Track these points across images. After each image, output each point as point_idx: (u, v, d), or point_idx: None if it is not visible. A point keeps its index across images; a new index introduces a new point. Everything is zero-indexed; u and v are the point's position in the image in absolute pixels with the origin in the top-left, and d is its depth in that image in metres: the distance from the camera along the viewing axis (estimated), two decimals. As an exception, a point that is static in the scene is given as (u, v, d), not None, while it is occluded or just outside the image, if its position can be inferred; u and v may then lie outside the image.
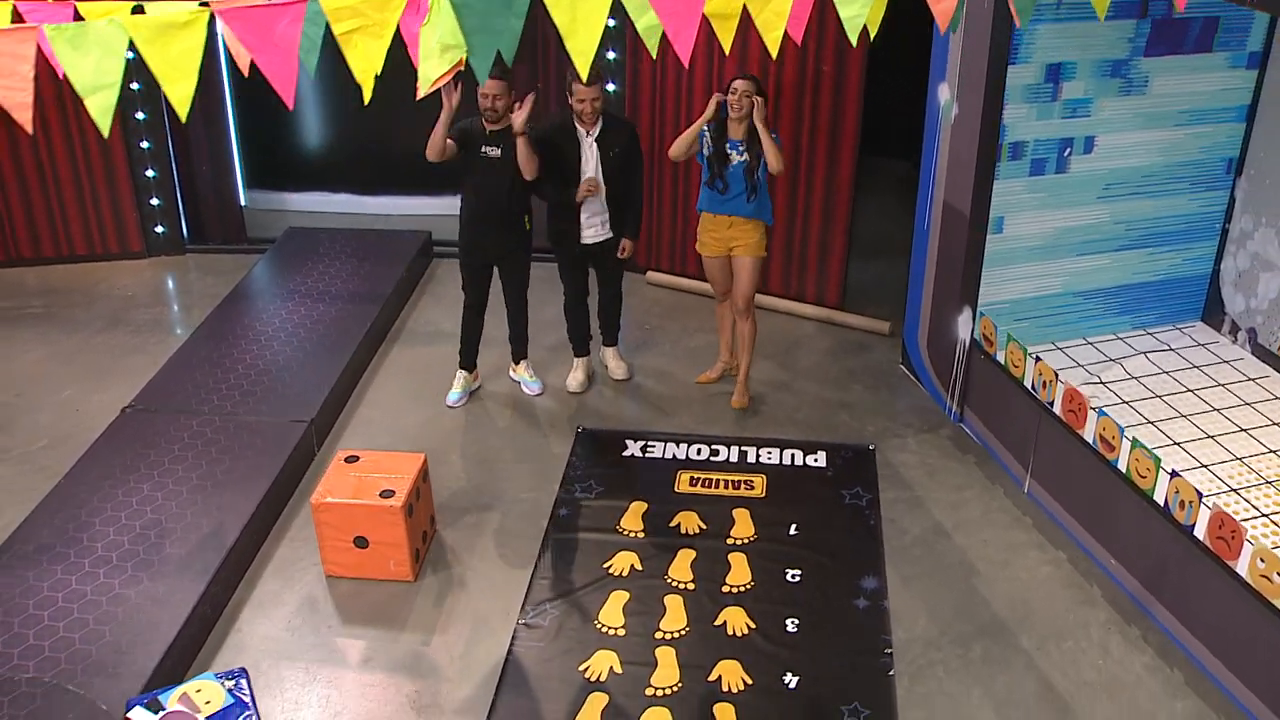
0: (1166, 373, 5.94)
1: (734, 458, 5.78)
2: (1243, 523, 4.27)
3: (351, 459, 5.12)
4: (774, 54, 3.13)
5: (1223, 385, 5.84)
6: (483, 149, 5.76)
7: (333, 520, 4.89)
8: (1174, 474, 4.57)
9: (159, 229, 7.92)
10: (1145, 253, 6.23)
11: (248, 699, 3.92)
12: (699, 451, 5.84)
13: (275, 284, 7.25)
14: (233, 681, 4.00)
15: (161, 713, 3.88)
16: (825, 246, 7.09)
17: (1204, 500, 4.42)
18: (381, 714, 4.34)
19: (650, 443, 5.92)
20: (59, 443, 5.95)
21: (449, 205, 6.75)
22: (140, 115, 7.57)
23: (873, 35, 3.15)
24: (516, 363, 6.51)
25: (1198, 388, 5.82)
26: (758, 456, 5.79)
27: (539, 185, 5.92)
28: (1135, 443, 4.76)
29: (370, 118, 7.77)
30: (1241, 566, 4.23)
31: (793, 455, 5.80)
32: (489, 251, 6.04)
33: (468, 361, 6.36)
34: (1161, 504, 4.61)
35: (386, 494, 4.88)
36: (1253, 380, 5.89)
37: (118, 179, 7.75)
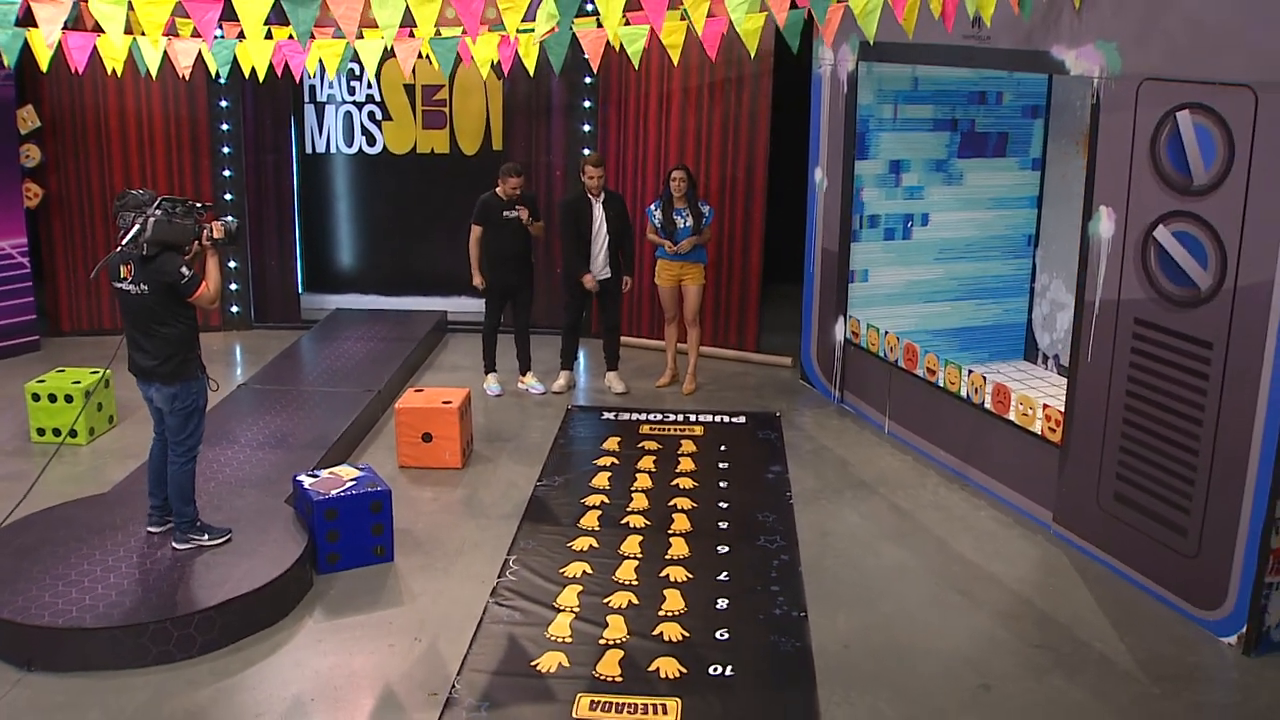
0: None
1: (679, 418, 8.10)
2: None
3: (418, 390, 7.38)
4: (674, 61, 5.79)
5: (1033, 388, 8.32)
6: (504, 213, 8.33)
7: (408, 420, 7.08)
8: (970, 371, 7.02)
9: (234, 309, 10.23)
10: (974, 303, 8.75)
11: (371, 473, 6.04)
12: (655, 416, 8.14)
13: (333, 335, 9.58)
14: (360, 467, 6.13)
15: (316, 477, 5.97)
16: (743, 307, 9.65)
17: (987, 380, 6.86)
18: (449, 520, 6.43)
19: (621, 413, 8.22)
20: (185, 412, 8.04)
21: (454, 303, 10.12)
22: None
23: (752, 53, 5.79)
24: (524, 374, 8.80)
25: (1016, 389, 8.31)
26: (697, 417, 8.11)
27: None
28: (947, 361, 7.23)
29: (395, 237, 10.38)
30: (1012, 414, 6.63)
31: (721, 418, 8.12)
32: (509, 283, 8.49)
33: (492, 365, 8.67)
34: (965, 396, 7.02)
35: (446, 402, 7.11)
36: (1056, 387, 8.38)
37: (207, 268, 10.07)
